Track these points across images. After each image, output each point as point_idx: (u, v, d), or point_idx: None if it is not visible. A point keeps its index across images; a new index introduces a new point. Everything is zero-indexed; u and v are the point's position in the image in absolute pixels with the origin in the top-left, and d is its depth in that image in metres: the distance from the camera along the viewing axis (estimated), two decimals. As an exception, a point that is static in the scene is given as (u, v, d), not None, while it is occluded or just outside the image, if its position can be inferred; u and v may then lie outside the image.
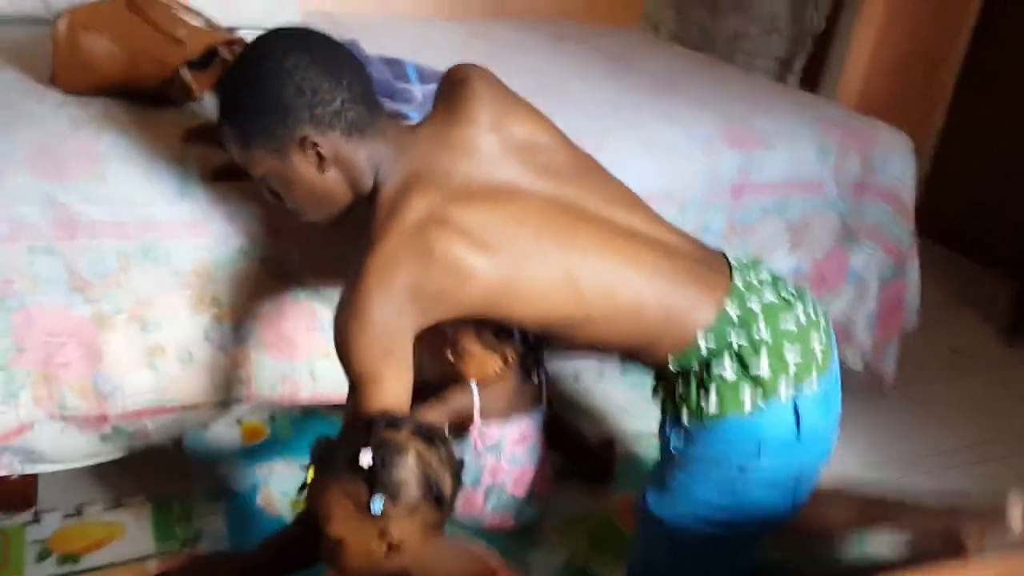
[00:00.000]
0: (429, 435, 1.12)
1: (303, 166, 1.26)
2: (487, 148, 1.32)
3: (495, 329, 1.62)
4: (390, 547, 1.08)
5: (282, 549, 1.31)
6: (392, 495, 1.06)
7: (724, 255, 1.41)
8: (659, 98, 2.08)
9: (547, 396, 1.75)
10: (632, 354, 1.41)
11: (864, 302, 2.10)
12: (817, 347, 1.33)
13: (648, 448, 1.93)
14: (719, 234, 1.88)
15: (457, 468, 1.14)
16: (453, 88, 1.38)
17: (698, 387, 1.32)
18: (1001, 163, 3.22)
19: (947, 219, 3.28)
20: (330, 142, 1.25)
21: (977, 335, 2.80)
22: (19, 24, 2.14)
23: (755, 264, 1.43)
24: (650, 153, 1.80)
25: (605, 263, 1.30)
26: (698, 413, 1.32)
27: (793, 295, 1.38)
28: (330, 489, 1.08)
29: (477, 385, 1.67)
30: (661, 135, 1.85)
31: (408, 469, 1.07)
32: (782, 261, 1.98)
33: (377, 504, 1.04)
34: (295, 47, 1.22)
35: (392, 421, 1.12)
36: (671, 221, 1.47)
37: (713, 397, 1.30)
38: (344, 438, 1.12)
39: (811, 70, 3.58)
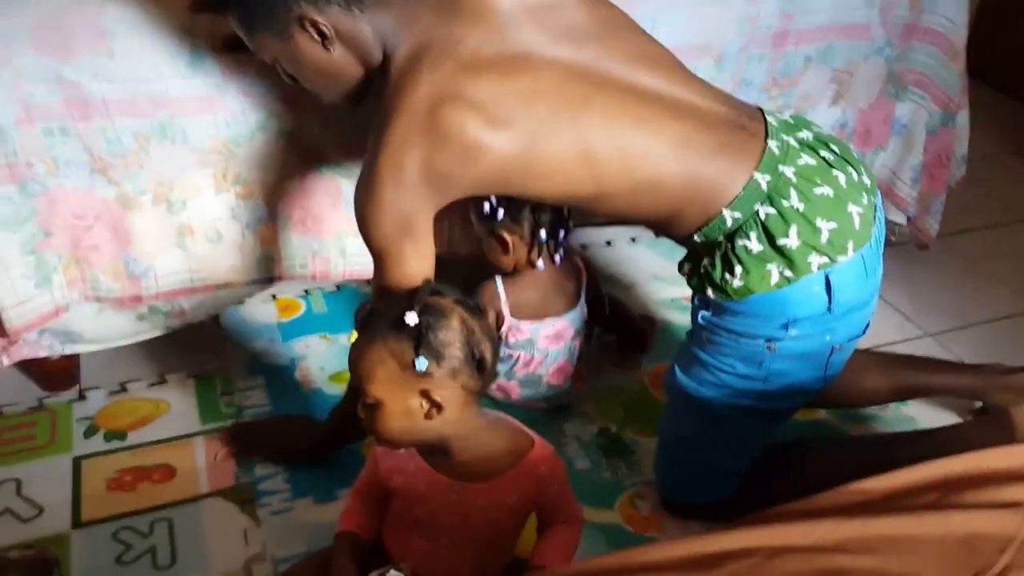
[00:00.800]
0: (472, 307, 1.13)
1: (307, 45, 1.23)
2: (498, 12, 1.24)
3: (519, 217, 1.58)
4: (432, 405, 1.09)
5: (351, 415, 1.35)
6: (436, 355, 1.06)
7: (763, 114, 1.33)
8: (692, -60, 1.93)
9: (590, 284, 1.71)
10: (656, 226, 1.37)
11: (910, 154, 2.02)
12: (856, 213, 1.26)
13: (680, 316, 1.91)
14: (760, 87, 1.79)
15: (496, 340, 1.15)
16: None
17: (724, 260, 1.27)
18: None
19: (997, 60, 3.11)
20: (329, 18, 1.21)
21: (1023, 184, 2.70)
22: None
23: (798, 123, 1.35)
24: (684, 2, 1.69)
25: (624, 135, 1.24)
26: (723, 287, 1.28)
27: (836, 154, 1.31)
28: (373, 349, 1.09)
29: (507, 280, 1.64)
30: (695, -19, 1.73)
31: (453, 331, 1.08)
32: (826, 114, 1.89)
33: (422, 363, 1.05)
34: None
35: (437, 289, 1.13)
36: (708, 77, 1.39)
37: (738, 270, 1.25)
38: (388, 302, 1.13)
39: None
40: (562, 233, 1.62)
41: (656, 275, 2.09)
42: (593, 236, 2.24)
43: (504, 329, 1.62)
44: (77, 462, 1.56)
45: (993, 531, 0.75)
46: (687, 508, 1.50)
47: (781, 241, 1.23)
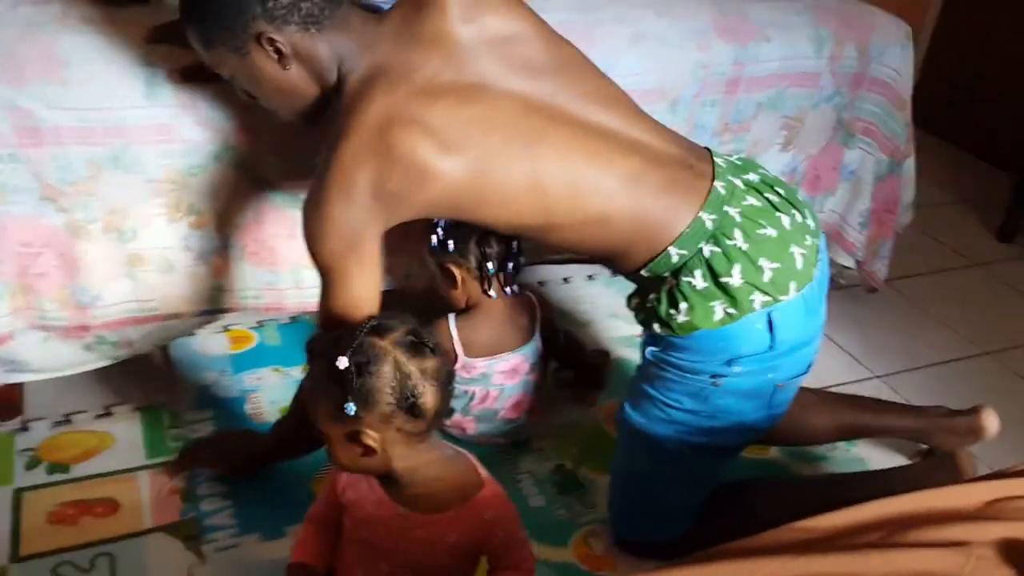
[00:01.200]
0: (416, 345, 1.10)
1: (264, 63, 1.24)
2: (457, 41, 1.25)
3: (465, 250, 1.58)
4: (364, 451, 1.08)
5: (292, 431, 1.39)
6: (363, 402, 1.05)
7: (711, 156, 1.36)
8: (649, -13, 1.98)
9: (545, 318, 1.71)
10: (605, 261, 1.38)
11: (858, 199, 2.07)
12: (799, 254, 1.28)
13: (636, 354, 1.91)
14: (713, 132, 1.82)
15: (444, 379, 1.12)
16: None
17: (669, 296, 1.29)
18: (1000, 52, 3.13)
19: (942, 109, 3.21)
20: (287, 36, 1.22)
21: (971, 230, 2.78)
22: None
23: (746, 165, 1.38)
24: (641, 47, 1.72)
25: (575, 169, 1.25)
26: (669, 322, 1.30)
27: (781, 196, 1.33)
28: (315, 387, 1.10)
29: (461, 318, 1.63)
30: (652, 28, 1.76)
31: (383, 377, 1.06)
32: (777, 159, 1.93)
33: (350, 408, 1.05)
34: None
35: (379, 327, 1.10)
36: (663, 120, 1.42)
37: (683, 306, 1.27)
38: (331, 338, 1.11)
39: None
40: (511, 265, 1.62)
41: (613, 313, 2.10)
42: (550, 273, 2.25)
43: (457, 367, 1.60)
44: (18, 494, 1.51)
45: (938, 570, 0.75)
46: (641, 546, 1.50)
47: (724, 279, 1.25)
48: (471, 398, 1.64)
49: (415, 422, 1.09)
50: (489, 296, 1.62)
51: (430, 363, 1.09)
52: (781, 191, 1.35)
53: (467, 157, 1.20)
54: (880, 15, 2.01)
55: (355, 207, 1.18)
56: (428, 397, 1.08)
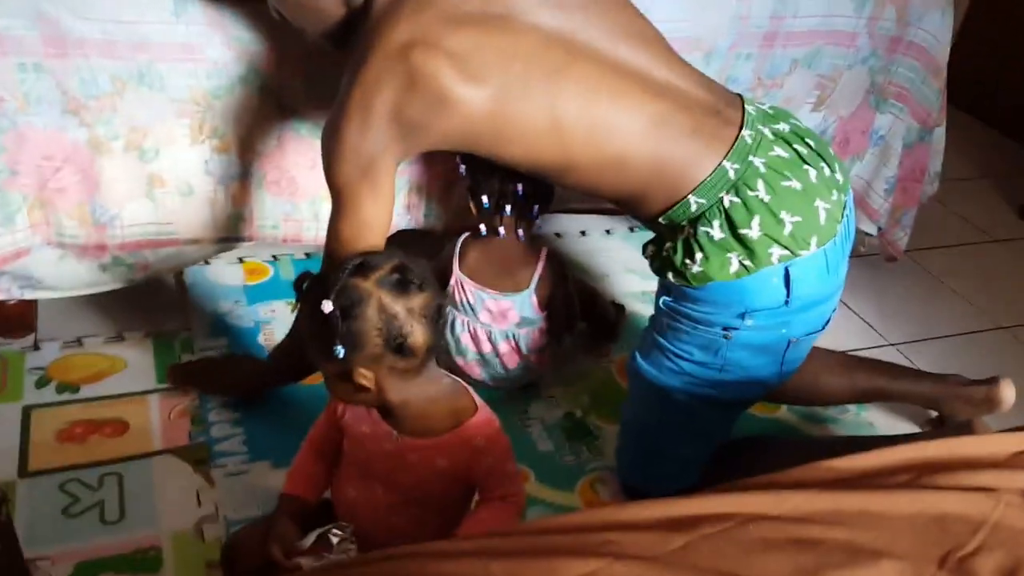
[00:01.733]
0: (402, 282, 1.07)
1: None
2: None
3: (495, 189, 1.56)
4: (357, 387, 1.08)
5: (288, 358, 1.41)
6: (352, 343, 1.04)
7: (743, 103, 1.32)
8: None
9: (554, 274, 1.65)
10: (622, 205, 1.36)
11: (886, 166, 2.04)
12: (822, 208, 1.25)
13: (651, 309, 1.91)
14: (745, 86, 1.79)
15: (433, 315, 1.09)
16: None
17: (685, 245, 1.27)
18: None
19: (969, 85, 3.16)
20: None
21: (993, 207, 2.75)
22: None
23: (778, 114, 1.34)
24: (679, -5, 1.69)
25: (597, 108, 1.22)
26: (683, 272, 1.27)
27: (811, 148, 1.30)
28: (306, 328, 1.10)
29: (472, 240, 1.62)
30: (688, -24, 1.73)
31: (368, 320, 1.04)
32: (807, 119, 1.89)
33: (338, 351, 1.03)
34: None
35: (363, 266, 1.07)
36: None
37: (699, 256, 1.25)
38: (318, 279, 1.10)
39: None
40: (534, 209, 1.60)
41: (628, 267, 2.08)
42: (567, 225, 2.23)
43: (450, 284, 1.60)
44: (27, 411, 1.51)
45: (966, 512, 0.75)
46: (647, 494, 1.49)
47: (743, 231, 1.23)
48: (456, 325, 1.62)
49: (406, 360, 1.07)
50: (497, 234, 1.60)
51: (417, 300, 1.07)
52: (812, 143, 1.31)
53: (487, 87, 1.18)
54: (922, -22, 1.97)
55: (373, 131, 1.17)
56: (417, 335, 1.06)
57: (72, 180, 1.44)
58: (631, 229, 2.24)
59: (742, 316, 1.28)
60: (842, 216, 1.30)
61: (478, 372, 1.66)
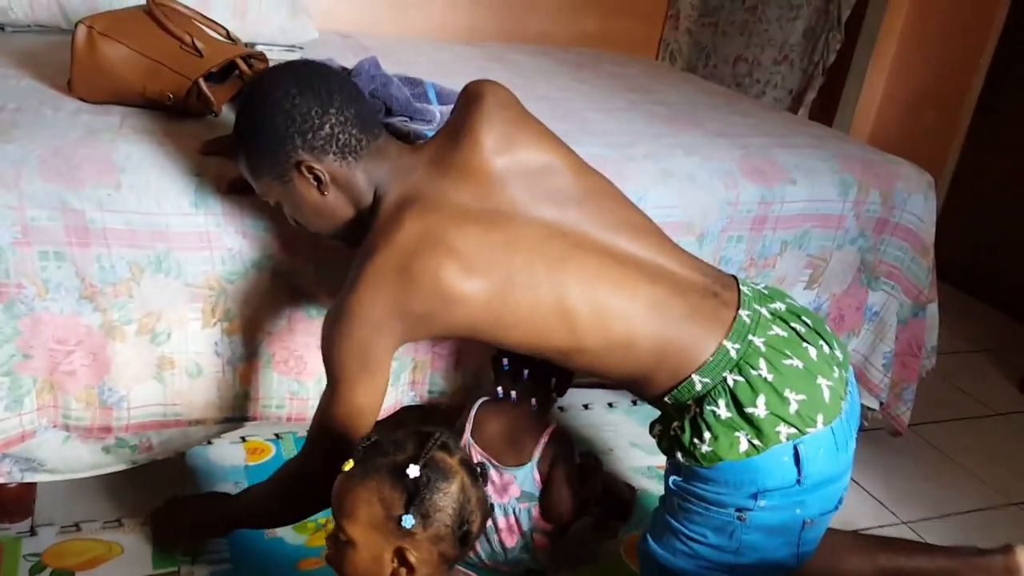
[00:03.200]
0: (473, 471, 1.10)
1: (305, 189, 1.30)
2: (490, 172, 1.30)
3: (512, 366, 1.59)
4: (403, 565, 1.05)
5: (263, 505, 1.45)
6: (425, 516, 1.03)
7: (738, 284, 1.37)
8: (679, 129, 2.06)
9: (559, 450, 1.64)
10: (628, 386, 1.38)
11: (882, 341, 2.07)
12: (825, 386, 1.27)
13: (657, 485, 1.89)
14: (738, 266, 1.86)
15: (487, 513, 1.11)
16: (464, 107, 1.37)
17: (692, 425, 1.28)
18: (1016, 205, 3.21)
19: (959, 261, 3.26)
20: (325, 165, 1.28)
21: (993, 380, 2.77)
22: (36, 33, 2.13)
23: (773, 294, 1.39)
24: (670, 183, 1.78)
25: (599, 293, 1.27)
26: (692, 452, 1.28)
27: (808, 327, 1.33)
28: (365, 487, 1.05)
29: (488, 406, 1.63)
30: (681, 165, 1.83)
31: (449, 496, 1.04)
32: (801, 297, 1.95)
33: (408, 520, 1.02)
34: (285, 78, 1.28)
35: (446, 444, 1.08)
36: (689, 252, 1.44)
37: (707, 435, 1.26)
38: (397, 441, 1.08)
39: (823, 103, 3.58)
40: (552, 384, 1.63)
41: (633, 442, 2.07)
42: (570, 398, 2.24)
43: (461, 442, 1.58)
44: (18, 600, 1.47)
45: None
46: None
47: (749, 409, 1.24)
48: None
49: (459, 549, 1.06)
50: (511, 399, 1.60)
51: (482, 492, 1.09)
52: (808, 321, 1.35)
53: (491, 280, 1.23)
54: (904, 165, 2.07)
55: (374, 324, 1.22)
56: (476, 526, 1.06)
57: (82, 364, 1.47)
58: (634, 403, 2.24)
59: (755, 496, 1.27)
60: (845, 392, 1.31)
61: (476, 548, 1.61)
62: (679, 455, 1.30)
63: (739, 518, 1.29)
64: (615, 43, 3.23)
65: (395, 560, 1.05)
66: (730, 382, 1.25)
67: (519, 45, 2.97)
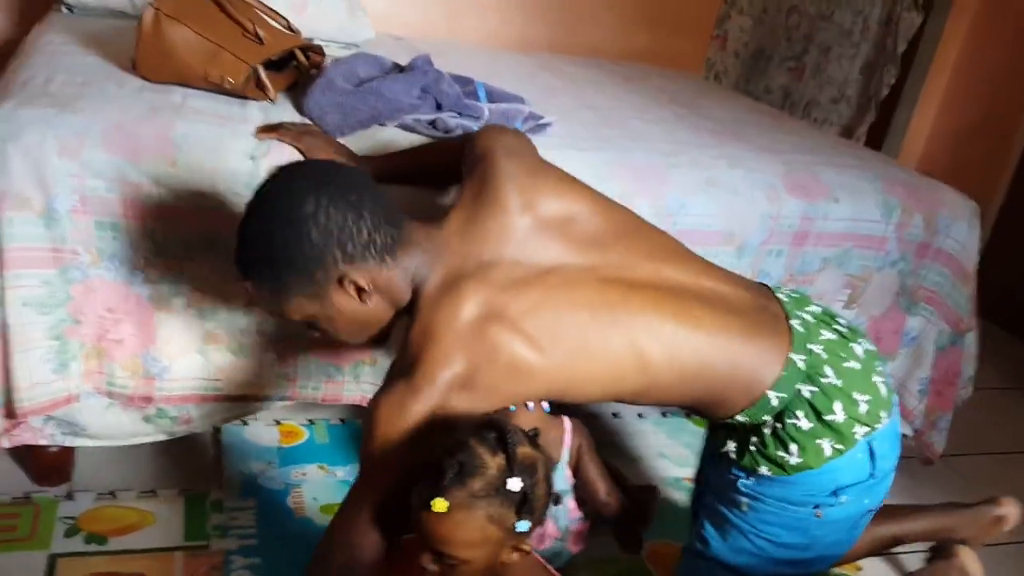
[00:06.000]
0: (535, 442, 1.15)
1: (344, 301, 1.24)
2: (523, 232, 1.28)
3: None
4: (520, 552, 1.12)
5: None
6: (533, 511, 1.09)
7: (772, 292, 1.40)
8: (723, 142, 2.07)
9: (578, 447, 1.67)
10: (700, 410, 1.39)
11: (919, 367, 2.06)
12: (880, 382, 1.33)
13: (684, 497, 1.88)
14: (777, 280, 1.85)
15: (554, 464, 1.21)
16: (478, 163, 1.34)
17: (776, 438, 1.31)
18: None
19: (1003, 299, 3.21)
20: (366, 273, 1.22)
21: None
22: (103, 16, 2.21)
23: (803, 298, 1.42)
24: (712, 193, 1.79)
25: (666, 331, 1.27)
26: (780, 463, 1.31)
27: (843, 325, 1.38)
28: (475, 518, 1.07)
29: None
30: (724, 176, 1.84)
31: (542, 483, 1.11)
32: (838, 315, 1.94)
33: (524, 525, 1.08)
34: (307, 189, 1.19)
35: (514, 438, 1.10)
36: (727, 263, 1.46)
37: (794, 448, 1.29)
38: (470, 462, 1.07)
39: (871, 132, 3.57)
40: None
41: (662, 452, 2.07)
42: (601, 407, 2.24)
43: None
44: (53, 559, 1.51)
45: None
46: None
47: (828, 417, 1.28)
48: None
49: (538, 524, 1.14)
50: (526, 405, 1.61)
51: (544, 451, 1.16)
52: (841, 320, 1.40)
53: (560, 348, 1.22)
54: (948, 191, 2.07)
55: (437, 401, 1.17)
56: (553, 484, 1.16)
57: (130, 333, 1.52)
58: (663, 414, 2.24)
59: (835, 494, 1.32)
60: (888, 380, 1.37)
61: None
62: (764, 468, 1.32)
63: (816, 514, 1.33)
64: (664, 60, 3.25)
65: (515, 554, 1.12)
66: (806, 393, 1.29)
67: (570, 57, 3.00)
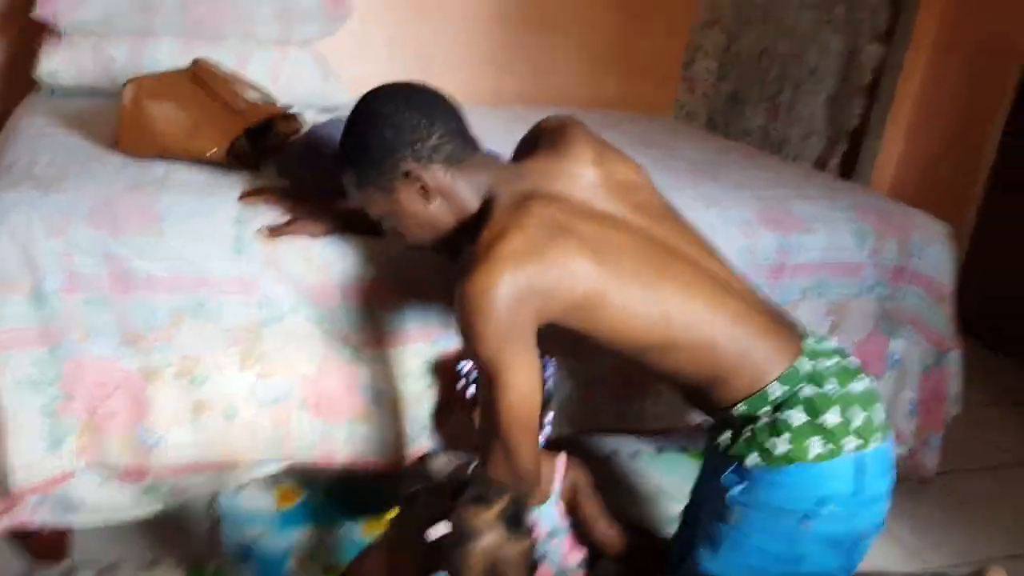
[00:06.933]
0: (517, 523, 1.10)
1: (410, 199, 1.37)
2: (592, 182, 1.40)
3: None
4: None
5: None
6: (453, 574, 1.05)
7: (793, 322, 1.46)
8: (697, 182, 2.11)
9: (584, 475, 1.67)
10: (703, 388, 1.41)
11: (905, 388, 2.08)
12: (879, 417, 1.37)
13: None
14: (759, 312, 1.88)
15: (533, 566, 1.13)
16: (553, 132, 1.47)
17: (770, 427, 1.34)
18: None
19: (980, 318, 3.25)
20: (432, 174, 1.35)
21: (1017, 431, 2.75)
22: (83, 96, 2.24)
23: (822, 336, 1.48)
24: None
25: (695, 300, 1.35)
26: (766, 455, 1.33)
27: (853, 363, 1.43)
28: (402, 542, 1.08)
29: None
30: (699, 217, 1.83)
31: (477, 555, 1.04)
32: (822, 342, 1.97)
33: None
34: (390, 95, 1.37)
35: (486, 496, 1.09)
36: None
37: (785, 435, 1.32)
38: (432, 498, 1.08)
39: (844, 166, 3.64)
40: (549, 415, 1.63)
41: (661, 489, 2.08)
42: (596, 446, 2.25)
43: None
44: (55, 639, 1.50)
45: None
46: None
47: (822, 419, 1.32)
48: None
49: None
50: None
51: (525, 545, 1.10)
52: (852, 358, 1.44)
53: (608, 269, 1.31)
54: (919, 215, 2.11)
55: (514, 299, 1.24)
56: None
57: (122, 406, 1.52)
58: (659, 450, 2.25)
59: (820, 502, 1.33)
60: (887, 425, 1.40)
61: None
62: (753, 456, 1.34)
63: (804, 525, 1.34)
64: (635, 105, 3.32)
65: None
66: (806, 392, 1.34)
67: (542, 107, 3.06)
